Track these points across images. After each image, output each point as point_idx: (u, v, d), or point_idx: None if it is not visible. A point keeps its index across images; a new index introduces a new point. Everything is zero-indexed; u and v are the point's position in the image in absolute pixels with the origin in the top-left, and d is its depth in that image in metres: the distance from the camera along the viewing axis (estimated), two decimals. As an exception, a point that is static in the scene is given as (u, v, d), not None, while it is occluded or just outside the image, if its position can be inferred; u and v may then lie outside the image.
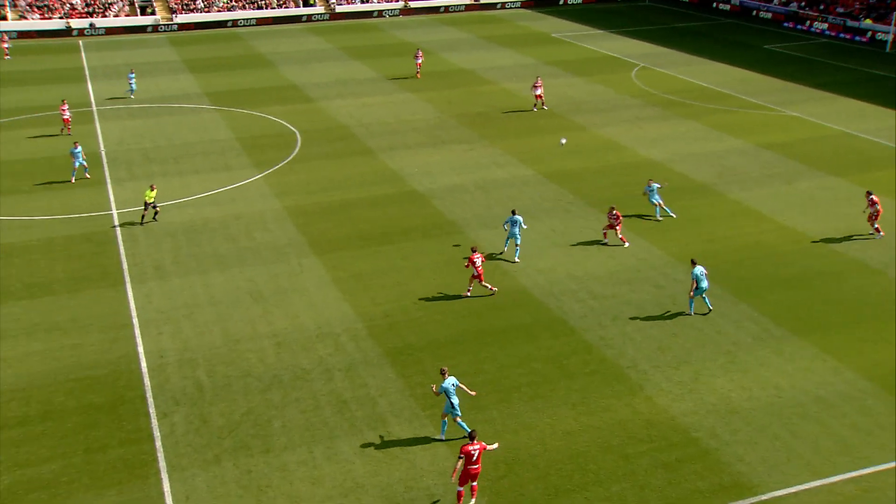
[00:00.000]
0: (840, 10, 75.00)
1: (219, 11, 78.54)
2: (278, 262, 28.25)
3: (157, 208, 31.54)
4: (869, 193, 30.22)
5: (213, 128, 43.68)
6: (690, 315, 24.82)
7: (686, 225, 31.06)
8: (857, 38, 69.60)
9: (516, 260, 28.16)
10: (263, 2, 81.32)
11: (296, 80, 54.89)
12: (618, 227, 29.23)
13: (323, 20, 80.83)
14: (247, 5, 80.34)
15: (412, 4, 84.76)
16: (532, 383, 21.70)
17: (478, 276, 25.41)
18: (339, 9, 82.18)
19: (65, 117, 41.04)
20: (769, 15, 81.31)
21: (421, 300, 25.70)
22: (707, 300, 25.07)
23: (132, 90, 49.38)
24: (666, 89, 51.73)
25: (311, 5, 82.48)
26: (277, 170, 37.19)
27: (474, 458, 17.25)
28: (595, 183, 35.33)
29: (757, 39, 69.83)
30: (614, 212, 29.26)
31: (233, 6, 79.45)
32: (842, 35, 71.27)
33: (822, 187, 34.88)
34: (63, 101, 43.12)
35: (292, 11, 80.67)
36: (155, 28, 74.70)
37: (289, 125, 44.13)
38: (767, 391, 21.35)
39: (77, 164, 35.06)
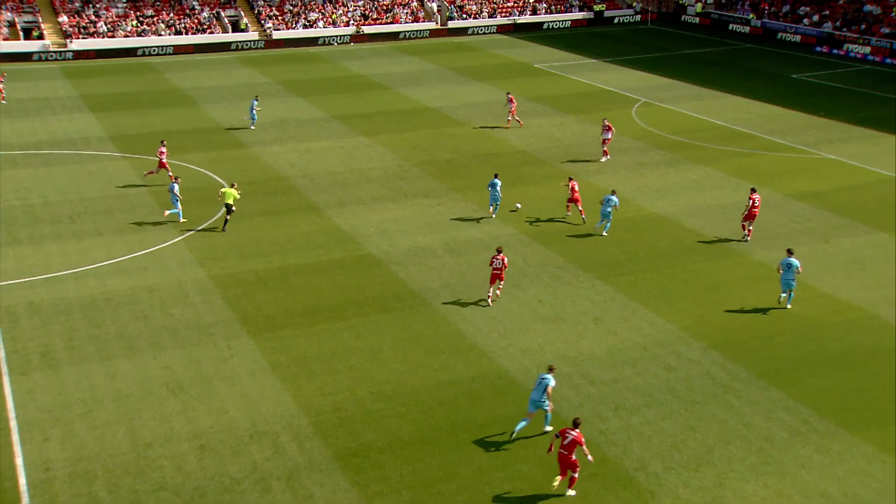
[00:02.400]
0: (885, 30, 77.50)
1: (126, 37, 79.24)
2: (202, 345, 28.11)
3: (232, 211, 37.36)
4: (753, 191, 36.32)
5: (121, 179, 43.81)
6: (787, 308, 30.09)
7: (702, 292, 31.57)
8: (906, 63, 72.13)
9: (492, 216, 38.56)
10: (182, 25, 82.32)
11: (224, 120, 55.48)
12: (577, 203, 37.88)
13: (257, 48, 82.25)
14: (162, 30, 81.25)
15: (365, 30, 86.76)
16: (517, 490, 21.63)
17: (499, 278, 30.68)
18: (276, 35, 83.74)
19: (163, 160, 42.98)
20: (797, 38, 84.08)
21: (380, 389, 25.66)
22: (788, 297, 30.47)
23: (253, 119, 53.27)
24: (673, 129, 53.09)
25: (242, 30, 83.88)
26: (202, 231, 37.29)
27: (566, 441, 21.29)
28: (590, 243, 35.86)
29: (783, 67, 72.14)
30: (571, 182, 38.20)
31: (143, 30, 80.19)
32: (888, 60, 73.75)
33: (867, 245, 35.74)
34: (162, 142, 44.59)
35: (219, 37, 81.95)
36: (43, 56, 75.17)
37: (215, 176, 44.43)
38: (812, 500, 21.41)
39: (176, 202, 37.94)
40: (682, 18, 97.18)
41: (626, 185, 42.94)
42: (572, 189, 37.99)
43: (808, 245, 35.39)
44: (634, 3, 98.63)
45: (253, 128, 53.02)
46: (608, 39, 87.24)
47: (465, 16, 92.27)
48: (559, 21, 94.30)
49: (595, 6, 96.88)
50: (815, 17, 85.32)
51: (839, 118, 55.33)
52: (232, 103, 59.93)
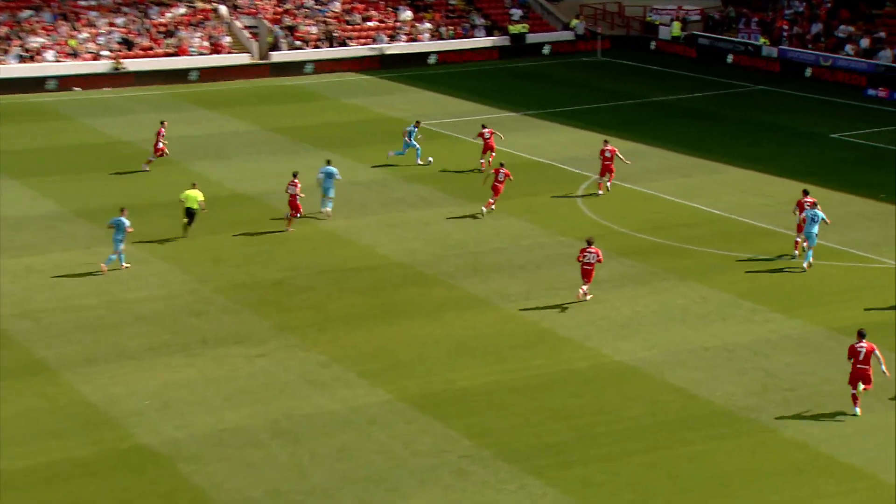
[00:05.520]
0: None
1: None
2: None
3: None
4: (806, 193, 49.21)
5: None
6: None
7: (702, 491, 31.73)
8: None
9: (327, 210, 54.95)
10: None
11: None
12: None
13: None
14: None
15: (130, 65, 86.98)
16: None
17: (589, 276, 43.97)
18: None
19: (295, 200, 53.51)
20: (837, 75, 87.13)
21: None
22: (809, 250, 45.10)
23: (412, 147, 65.31)
24: (643, 223, 54.36)
25: None
26: None
27: (860, 356, 34.41)
28: (514, 409, 36.07)
29: (817, 122, 75.20)
30: (503, 170, 55.25)
31: None
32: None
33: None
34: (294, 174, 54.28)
35: None
36: None
37: None
38: None
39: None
40: (652, 46, 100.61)
41: (573, 316, 43.59)
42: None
43: (875, 414, 35.80)
44: (575, 23, 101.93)
45: (420, 161, 64.78)
46: (534, 79, 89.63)
47: (298, 43, 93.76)
48: (454, 50, 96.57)
49: (511, 27, 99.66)
50: (864, 42, 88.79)
51: (912, 203, 57.34)
52: None
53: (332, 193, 54.74)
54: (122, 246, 47.64)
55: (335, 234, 52.60)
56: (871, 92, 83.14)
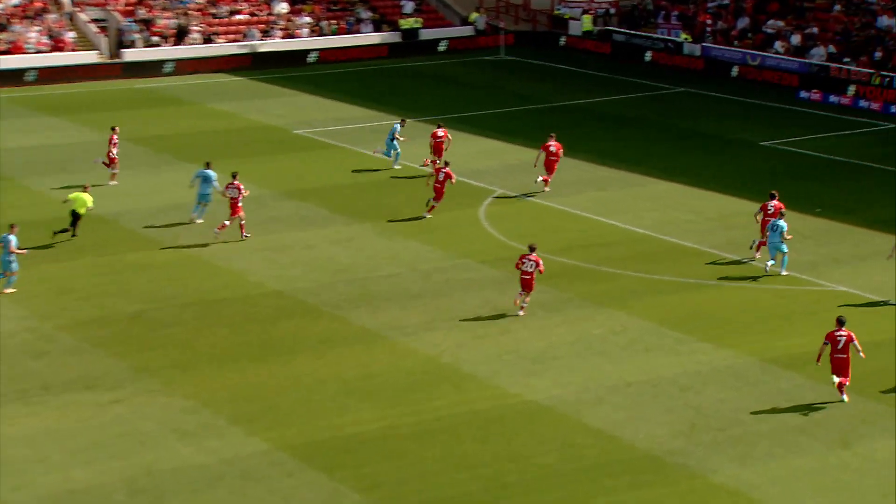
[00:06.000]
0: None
1: None
2: None
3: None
4: (773, 196, 52.06)
5: None
6: None
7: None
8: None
9: (197, 219, 56.46)
10: None
11: None
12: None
13: None
14: None
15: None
16: None
17: (527, 286, 45.65)
18: None
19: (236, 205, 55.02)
20: (766, 75, 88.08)
21: None
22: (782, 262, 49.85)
23: (392, 152, 66.93)
24: (554, 244, 54.30)
25: None
26: None
27: (839, 345, 37.55)
28: (415, 461, 35.89)
29: (745, 128, 75.87)
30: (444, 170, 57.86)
31: None
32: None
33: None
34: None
35: None
36: None
37: None
38: None
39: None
40: (561, 42, 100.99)
41: (477, 349, 43.52)
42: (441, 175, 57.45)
43: (812, 455, 36.32)
44: (474, 17, 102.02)
45: (398, 166, 66.50)
46: (429, 80, 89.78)
47: (155, 39, 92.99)
48: (337, 47, 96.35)
49: (402, 21, 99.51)
50: (795, 39, 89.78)
51: (850, 219, 58.00)
52: None
53: (208, 200, 56.24)
54: (13, 266, 47.94)
55: (202, 259, 52.10)
56: (803, 94, 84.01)
